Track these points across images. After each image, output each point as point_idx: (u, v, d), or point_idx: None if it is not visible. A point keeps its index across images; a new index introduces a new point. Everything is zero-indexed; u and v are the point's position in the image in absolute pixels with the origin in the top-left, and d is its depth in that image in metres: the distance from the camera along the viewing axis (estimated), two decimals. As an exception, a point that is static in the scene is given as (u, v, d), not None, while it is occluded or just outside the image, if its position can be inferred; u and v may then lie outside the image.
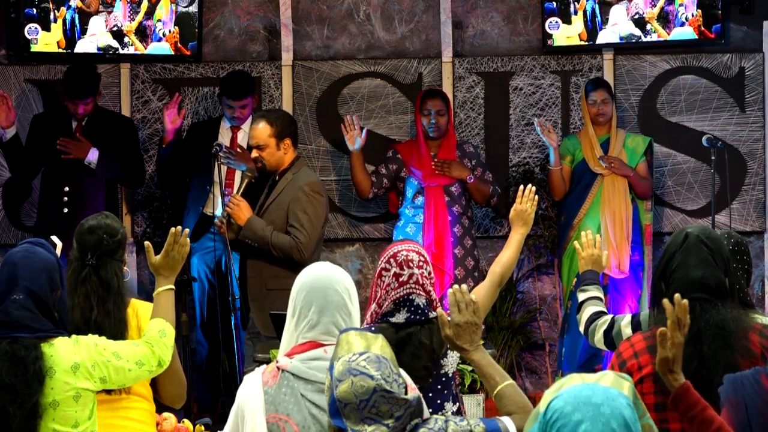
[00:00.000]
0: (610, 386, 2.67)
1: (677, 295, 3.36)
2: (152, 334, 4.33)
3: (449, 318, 3.59)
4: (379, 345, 3.25)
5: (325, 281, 3.70)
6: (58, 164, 7.66)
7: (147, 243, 4.62)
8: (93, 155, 7.67)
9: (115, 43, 8.15)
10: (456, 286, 3.61)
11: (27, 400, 3.89)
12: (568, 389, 2.64)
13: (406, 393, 3.21)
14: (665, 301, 3.37)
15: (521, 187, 5.09)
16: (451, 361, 4.22)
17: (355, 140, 7.82)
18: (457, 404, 4.25)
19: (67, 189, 7.67)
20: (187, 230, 4.63)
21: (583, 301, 4.78)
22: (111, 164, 7.72)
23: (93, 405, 4.07)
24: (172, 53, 8.22)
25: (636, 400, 2.70)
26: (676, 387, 3.34)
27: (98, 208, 7.11)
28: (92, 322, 4.45)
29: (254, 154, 6.71)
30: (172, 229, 4.55)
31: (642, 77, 8.39)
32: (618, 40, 8.26)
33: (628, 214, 7.94)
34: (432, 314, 4.14)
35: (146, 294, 7.92)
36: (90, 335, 4.15)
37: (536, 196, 5.02)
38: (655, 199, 8.28)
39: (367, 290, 8.40)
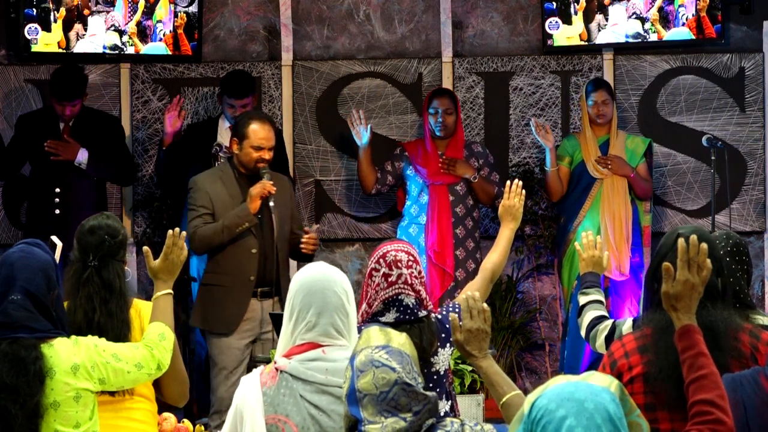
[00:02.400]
0: (596, 384, 2.67)
1: (693, 237, 3.35)
2: (152, 337, 4.31)
3: (460, 323, 3.60)
4: (401, 342, 3.26)
5: (323, 283, 3.71)
6: (48, 166, 7.65)
7: (145, 248, 4.58)
8: (82, 156, 7.67)
9: (121, 43, 8.16)
10: (469, 293, 3.62)
11: (29, 400, 3.89)
12: (552, 387, 2.64)
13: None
14: (680, 240, 3.36)
15: (507, 182, 5.10)
16: (442, 360, 4.23)
17: (362, 135, 7.83)
18: (450, 402, 4.26)
19: (58, 190, 7.67)
20: (184, 233, 4.61)
21: (584, 305, 4.77)
22: (101, 163, 7.71)
23: (94, 406, 4.06)
24: (170, 53, 8.22)
25: (623, 396, 2.70)
26: (678, 326, 3.34)
27: (89, 208, 7.12)
28: (95, 323, 4.43)
29: (267, 156, 6.76)
30: (170, 232, 4.53)
31: (642, 77, 8.39)
32: (622, 39, 8.25)
33: (627, 215, 7.93)
34: (421, 313, 4.15)
35: (146, 294, 7.94)
36: (89, 336, 4.14)
37: (524, 191, 5.03)
38: (655, 199, 8.27)
39: (366, 290, 8.40)
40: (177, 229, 4.56)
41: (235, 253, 6.77)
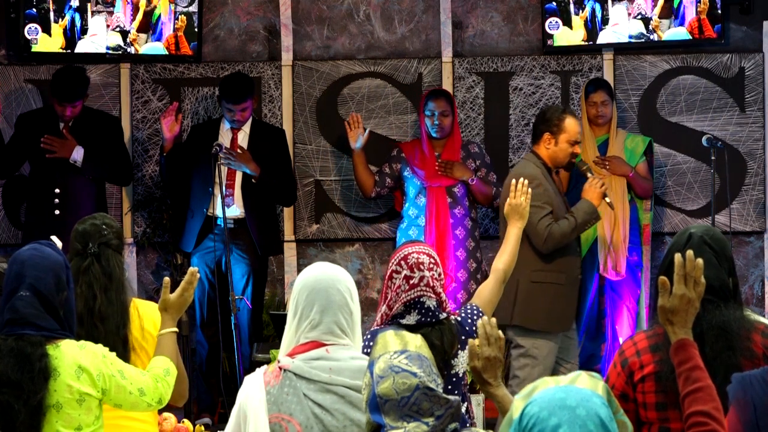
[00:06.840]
0: (584, 387, 2.67)
1: (689, 252, 3.34)
2: (157, 371, 4.26)
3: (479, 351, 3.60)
4: (417, 345, 3.25)
5: (326, 281, 3.70)
6: (47, 166, 7.65)
7: (167, 279, 4.46)
8: (78, 154, 7.66)
9: (123, 43, 8.16)
10: (485, 318, 3.63)
11: (32, 397, 3.88)
12: (542, 394, 2.62)
13: None
14: (677, 255, 3.35)
15: (513, 181, 5.10)
16: (462, 362, 4.24)
17: (357, 138, 7.81)
18: (466, 404, 4.27)
19: (57, 191, 7.67)
20: (198, 275, 4.53)
21: None
22: (96, 162, 7.71)
23: (99, 411, 4.05)
24: (168, 53, 8.21)
25: (610, 398, 2.70)
26: (674, 340, 3.33)
27: (89, 209, 7.12)
28: (96, 311, 4.45)
29: (578, 150, 6.83)
30: (191, 269, 4.43)
31: (642, 77, 8.39)
32: (624, 40, 8.25)
33: (625, 215, 7.92)
34: (442, 315, 4.15)
35: (146, 294, 7.94)
36: (99, 345, 4.12)
37: (530, 189, 5.04)
38: (655, 199, 8.27)
39: (366, 290, 8.41)
40: (196, 269, 4.46)
41: (567, 251, 6.76)
